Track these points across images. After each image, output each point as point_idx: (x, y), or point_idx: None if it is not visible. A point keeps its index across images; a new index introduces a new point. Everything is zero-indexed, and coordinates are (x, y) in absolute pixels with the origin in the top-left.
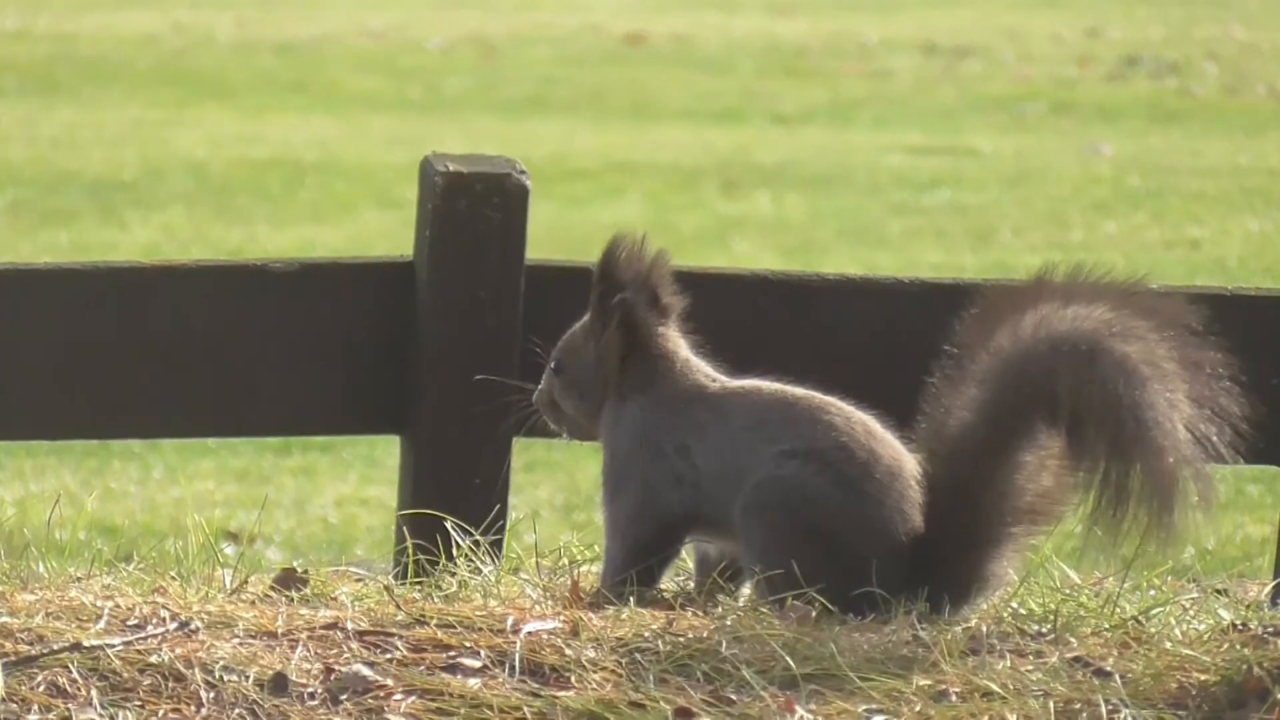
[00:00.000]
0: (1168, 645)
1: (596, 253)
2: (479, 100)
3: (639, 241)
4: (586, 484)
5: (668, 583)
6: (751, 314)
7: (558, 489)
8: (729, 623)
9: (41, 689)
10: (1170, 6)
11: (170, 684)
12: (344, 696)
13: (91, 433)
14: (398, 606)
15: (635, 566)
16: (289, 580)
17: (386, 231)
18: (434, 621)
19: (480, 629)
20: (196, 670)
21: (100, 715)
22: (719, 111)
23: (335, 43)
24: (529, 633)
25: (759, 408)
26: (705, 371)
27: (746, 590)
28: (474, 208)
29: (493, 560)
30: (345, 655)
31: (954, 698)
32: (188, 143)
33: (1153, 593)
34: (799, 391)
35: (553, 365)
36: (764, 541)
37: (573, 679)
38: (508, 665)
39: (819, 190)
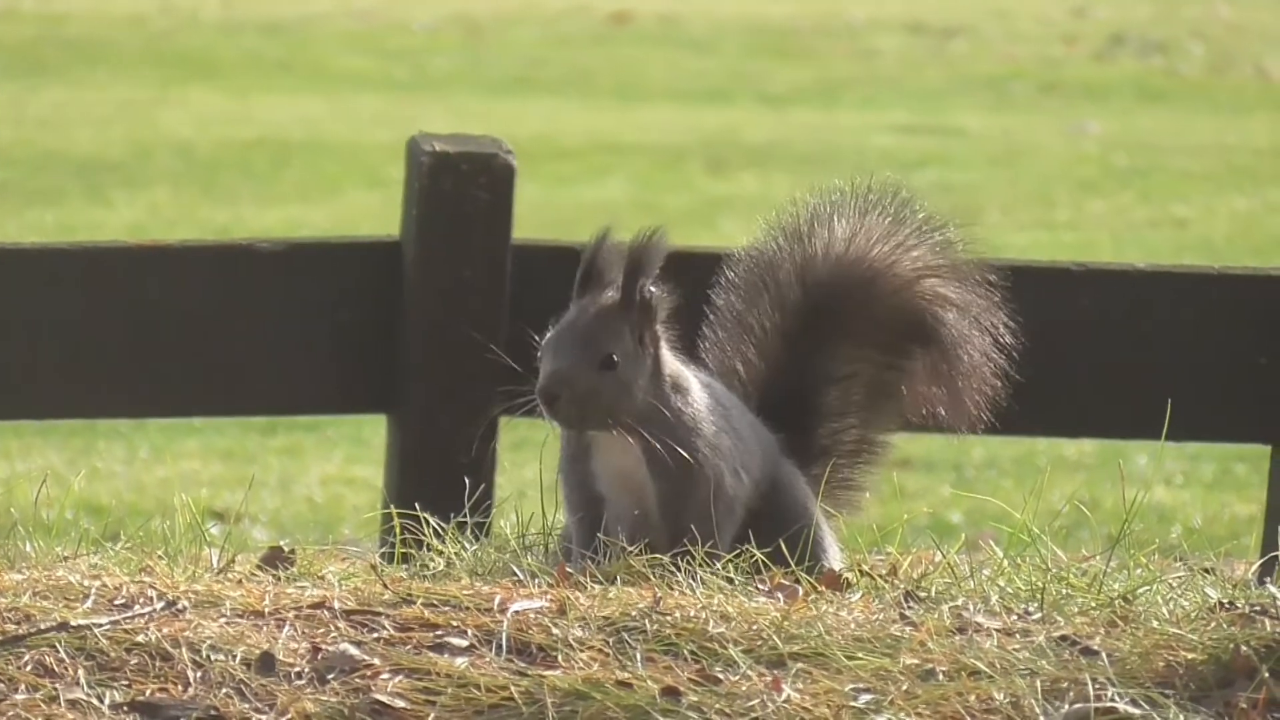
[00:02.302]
0: (1155, 624)
1: (585, 233)
2: (465, 80)
3: (654, 234)
4: None
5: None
6: None
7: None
8: (716, 602)
9: (29, 668)
10: None
11: (157, 663)
12: (331, 676)
13: (78, 412)
14: (385, 586)
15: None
16: (275, 560)
17: (373, 211)
18: (421, 601)
19: (467, 608)
20: (183, 649)
21: (87, 695)
22: (706, 91)
23: (322, 23)
24: (516, 612)
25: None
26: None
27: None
28: (461, 187)
29: (479, 539)
30: (332, 634)
31: (941, 676)
32: (174, 123)
33: (1140, 572)
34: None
35: (605, 361)
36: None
37: (560, 658)
38: (495, 644)
39: (806, 170)
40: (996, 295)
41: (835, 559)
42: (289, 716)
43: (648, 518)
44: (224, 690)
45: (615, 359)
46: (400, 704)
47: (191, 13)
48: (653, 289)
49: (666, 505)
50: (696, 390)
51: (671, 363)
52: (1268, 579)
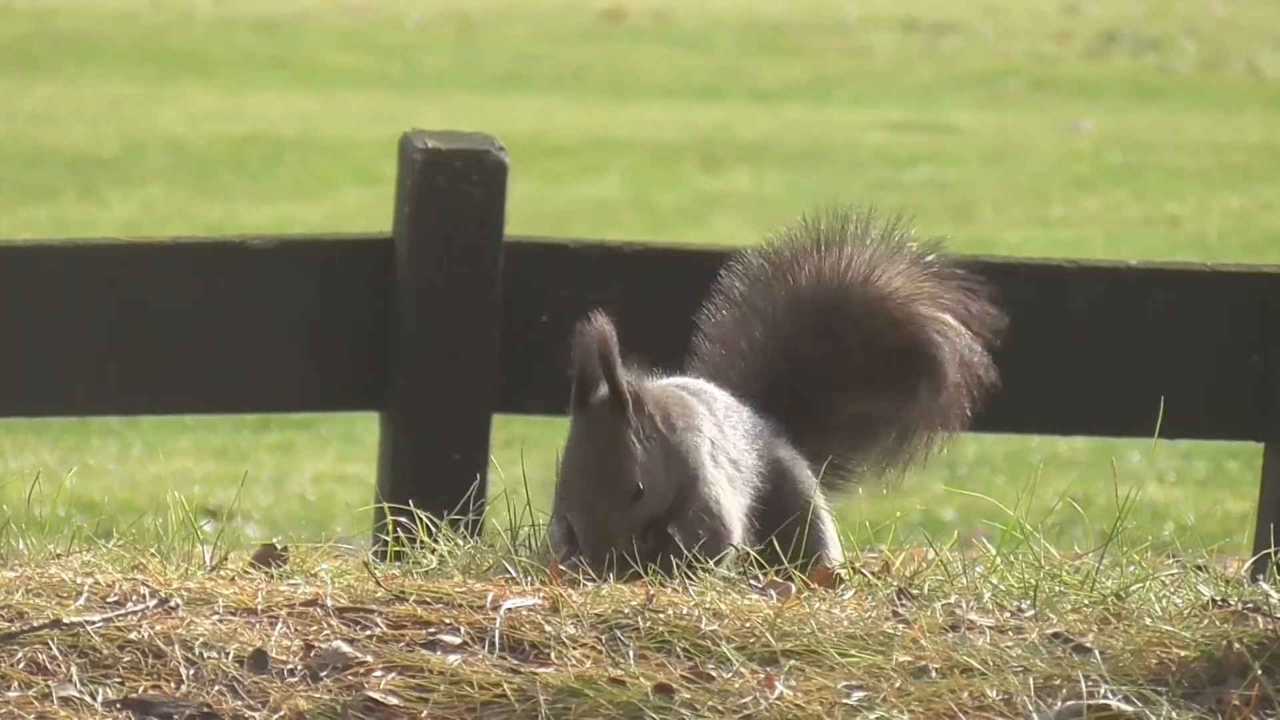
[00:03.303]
0: (1148, 621)
1: (578, 230)
2: (458, 77)
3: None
4: None
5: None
6: None
7: (537, 465)
8: (709, 599)
9: (21, 666)
10: None
11: (150, 660)
12: (324, 673)
13: (70, 409)
14: (377, 583)
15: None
16: (268, 557)
17: (365, 208)
18: (413, 598)
19: (460, 605)
20: (176, 647)
21: (80, 692)
22: (699, 88)
23: (314, 19)
24: (509, 609)
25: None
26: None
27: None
28: (453, 184)
29: (472, 537)
30: (325, 632)
31: (934, 673)
32: (167, 119)
33: (1133, 569)
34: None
35: (635, 497)
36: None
37: (552, 655)
38: (487, 642)
39: (799, 167)
40: (979, 298)
41: (834, 548)
42: (282, 714)
43: None
44: (217, 687)
45: (641, 487)
46: (393, 701)
47: (184, 9)
48: (629, 380)
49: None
50: (686, 425)
51: (657, 418)
52: (1260, 576)
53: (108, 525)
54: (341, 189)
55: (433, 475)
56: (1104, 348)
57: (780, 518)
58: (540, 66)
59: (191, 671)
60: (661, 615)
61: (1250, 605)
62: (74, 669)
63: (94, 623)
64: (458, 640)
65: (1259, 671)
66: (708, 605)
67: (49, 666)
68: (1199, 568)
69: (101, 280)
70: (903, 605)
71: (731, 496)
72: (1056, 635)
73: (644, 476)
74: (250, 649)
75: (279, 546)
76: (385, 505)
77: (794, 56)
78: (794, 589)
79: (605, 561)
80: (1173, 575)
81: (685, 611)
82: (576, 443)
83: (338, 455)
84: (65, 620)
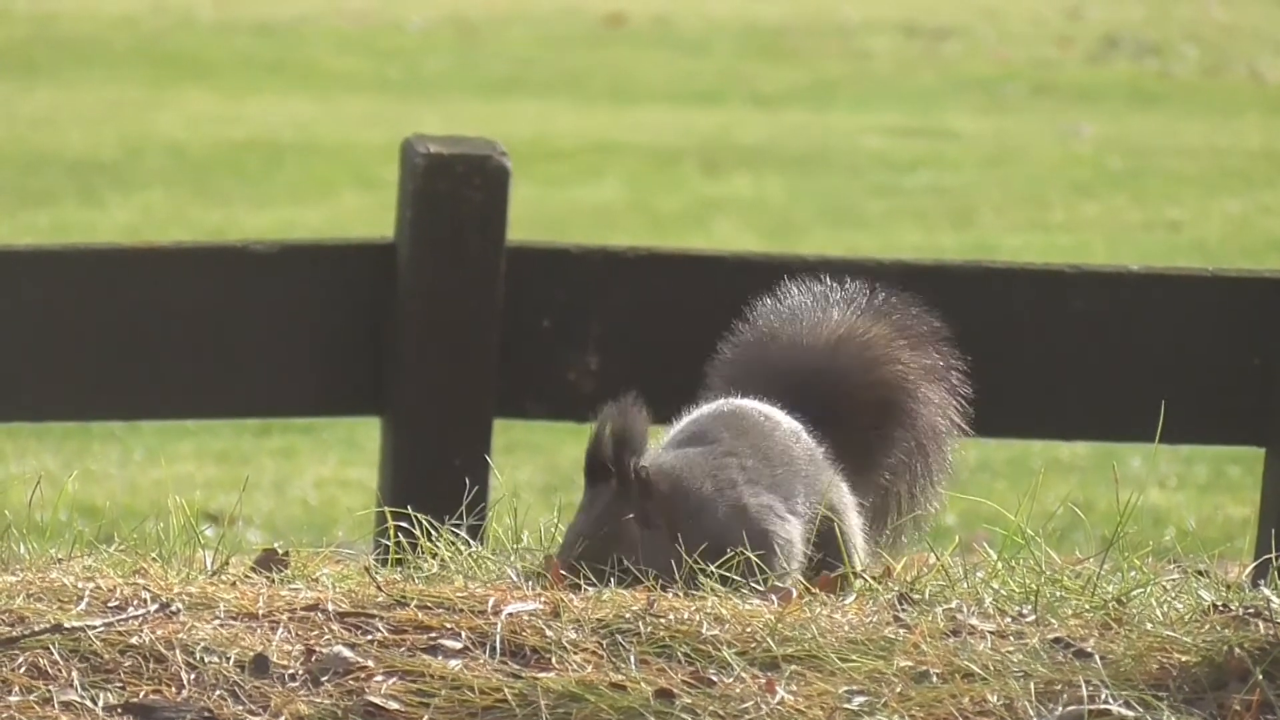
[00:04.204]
0: (1149, 626)
1: (579, 234)
2: (458, 81)
3: (630, 406)
4: (566, 465)
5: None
6: (733, 295)
7: (538, 470)
8: (710, 604)
9: (22, 670)
10: None
11: (151, 665)
12: (325, 678)
13: (72, 414)
14: (378, 588)
15: None
16: (269, 561)
17: (366, 212)
18: (415, 603)
19: (461, 610)
20: (177, 651)
21: (81, 697)
22: (699, 92)
23: (314, 23)
24: (510, 614)
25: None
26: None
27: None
28: (455, 189)
29: (474, 542)
30: (326, 637)
31: (935, 679)
32: (167, 123)
33: (1134, 574)
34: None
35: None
36: None
37: (554, 660)
38: (489, 646)
39: (799, 171)
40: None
41: (861, 554)
42: (283, 718)
43: None
44: (218, 692)
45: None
46: (394, 706)
47: (184, 14)
48: (644, 466)
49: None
50: (712, 500)
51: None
52: (1261, 581)
53: (109, 530)
54: (341, 193)
55: (434, 480)
56: (1104, 353)
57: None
58: (540, 71)
59: (193, 676)
60: (662, 620)
61: (1251, 610)
62: (75, 674)
63: (95, 627)
64: (459, 645)
65: (1260, 677)
66: (709, 610)
67: (50, 671)
68: (1200, 573)
69: (102, 285)
70: (904, 610)
71: (780, 524)
72: (1057, 640)
73: (636, 555)
74: (251, 654)
75: (280, 551)
76: (386, 510)
77: (794, 61)
78: (795, 594)
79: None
80: (1174, 580)
81: (686, 616)
82: (582, 513)
83: (339, 460)
84: (66, 625)
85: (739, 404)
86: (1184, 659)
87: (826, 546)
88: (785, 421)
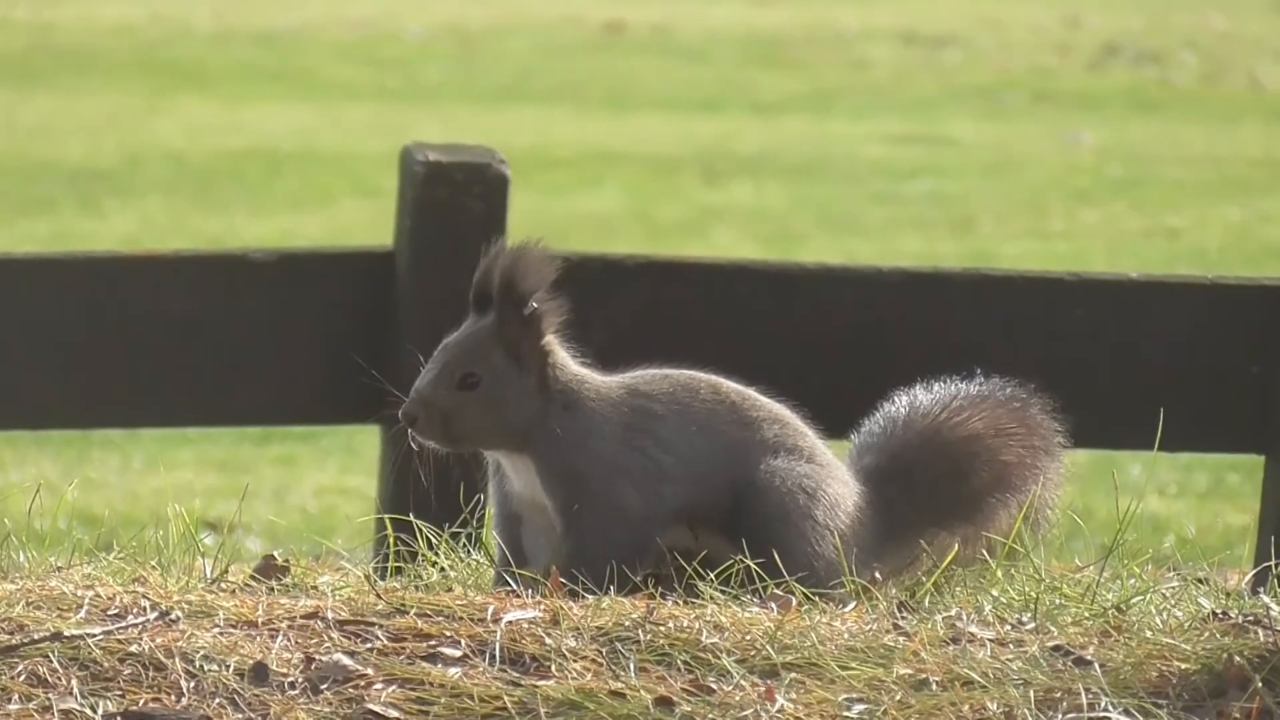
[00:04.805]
0: (1148, 634)
1: (578, 243)
2: (458, 90)
3: (534, 246)
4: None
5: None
6: (732, 303)
7: None
8: (709, 612)
9: (22, 678)
10: None
11: (151, 673)
12: (324, 686)
13: (71, 422)
14: (378, 596)
15: (642, 563)
16: (269, 570)
17: (365, 221)
18: (414, 611)
19: (460, 618)
20: (177, 660)
21: (81, 705)
22: (698, 101)
23: (314, 32)
24: (509, 622)
25: (697, 400)
26: (593, 371)
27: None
28: (455, 197)
29: (472, 550)
30: (325, 645)
31: (934, 686)
32: (166, 132)
33: (1133, 582)
34: (701, 377)
35: (464, 380)
36: (786, 535)
37: (553, 668)
38: (488, 654)
39: (799, 180)
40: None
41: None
42: None
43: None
44: (217, 700)
45: (475, 378)
46: (394, 714)
47: (183, 23)
48: (535, 303)
49: (565, 525)
50: (599, 404)
51: (566, 377)
52: (1261, 589)
53: (109, 538)
54: (340, 201)
55: (433, 488)
56: (1104, 360)
57: (758, 530)
58: (540, 79)
59: (192, 684)
60: (662, 628)
61: (1251, 618)
62: (74, 681)
63: (95, 635)
64: (458, 653)
65: (1259, 684)
66: (708, 618)
67: (50, 679)
68: (1200, 581)
69: (102, 294)
70: (903, 618)
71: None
72: (1057, 648)
73: (489, 378)
74: (251, 662)
75: (280, 559)
76: (386, 518)
77: (794, 69)
78: (794, 602)
79: (414, 423)
80: (1173, 588)
81: (686, 624)
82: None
83: (339, 468)
84: (66, 633)
85: (689, 371)
86: (1184, 667)
87: (743, 518)
88: (734, 394)
